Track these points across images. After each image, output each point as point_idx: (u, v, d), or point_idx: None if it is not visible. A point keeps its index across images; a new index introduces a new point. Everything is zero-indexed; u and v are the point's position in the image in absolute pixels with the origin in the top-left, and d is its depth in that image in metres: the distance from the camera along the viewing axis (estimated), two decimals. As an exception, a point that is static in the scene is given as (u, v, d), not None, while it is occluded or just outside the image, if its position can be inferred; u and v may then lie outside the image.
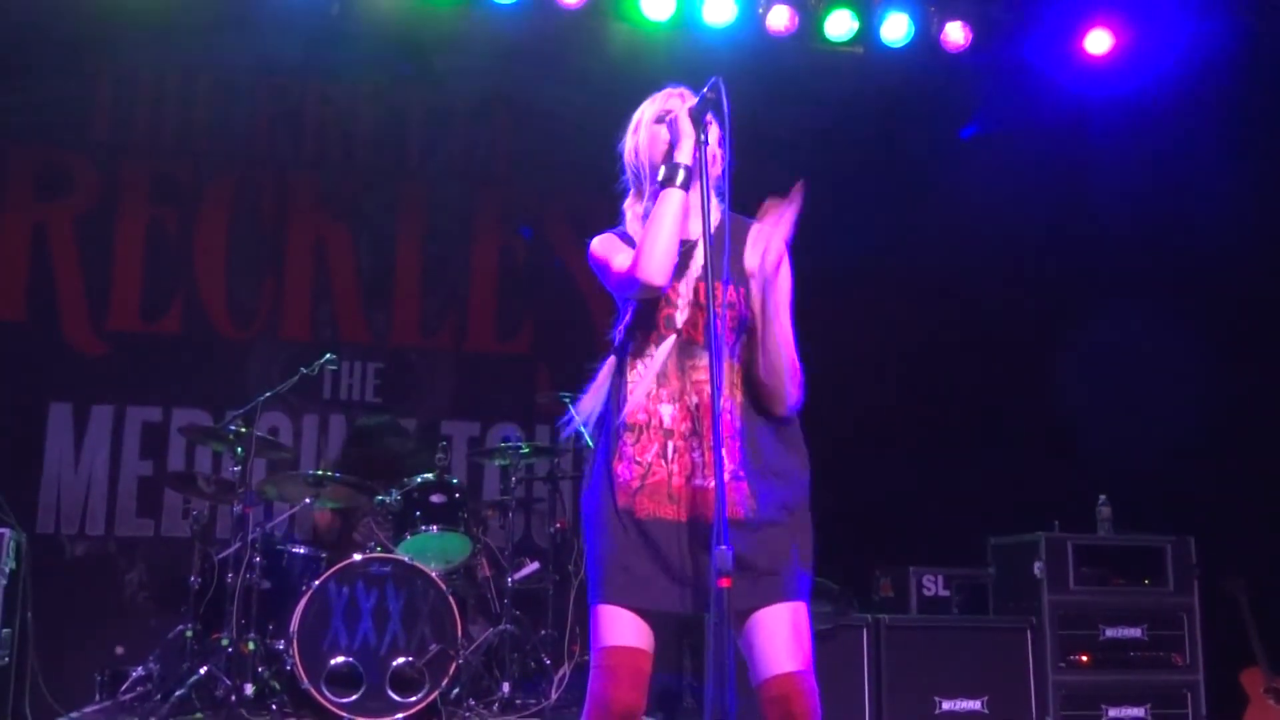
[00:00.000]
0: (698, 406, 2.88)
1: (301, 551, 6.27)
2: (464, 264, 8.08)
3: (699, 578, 2.81)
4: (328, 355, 6.39)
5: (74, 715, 5.84)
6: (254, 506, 6.26)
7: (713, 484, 2.77)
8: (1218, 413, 7.14)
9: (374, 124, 7.96)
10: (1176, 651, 6.70)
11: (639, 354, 2.95)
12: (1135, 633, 6.70)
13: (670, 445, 2.88)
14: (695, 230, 2.95)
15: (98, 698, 6.11)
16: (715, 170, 2.96)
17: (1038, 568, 6.70)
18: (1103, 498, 6.97)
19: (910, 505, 7.71)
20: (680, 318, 2.93)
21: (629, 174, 3.11)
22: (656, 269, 2.83)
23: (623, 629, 2.82)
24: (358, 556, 5.95)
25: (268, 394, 6.25)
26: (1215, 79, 7.33)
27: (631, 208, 3.10)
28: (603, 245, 3.03)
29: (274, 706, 5.75)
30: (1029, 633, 6.57)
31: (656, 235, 2.84)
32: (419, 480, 6.41)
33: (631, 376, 2.94)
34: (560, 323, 7.77)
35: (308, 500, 6.37)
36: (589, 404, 3.01)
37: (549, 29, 7.50)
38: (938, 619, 6.71)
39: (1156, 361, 7.38)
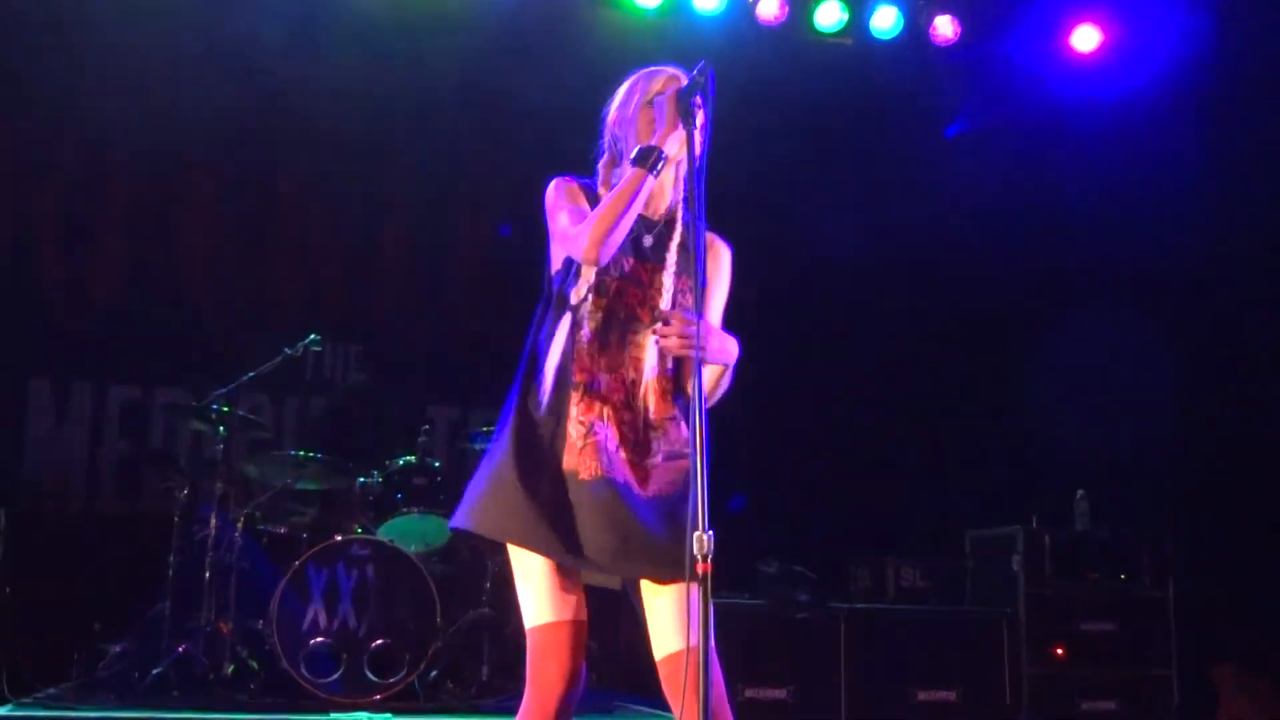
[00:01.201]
0: (633, 382, 2.88)
1: (282, 531, 6.26)
2: (449, 248, 8.06)
3: (631, 544, 2.76)
4: (311, 336, 6.37)
5: (51, 691, 5.83)
6: (235, 486, 6.27)
7: (645, 460, 2.83)
8: (1196, 410, 7.19)
9: (360, 106, 7.92)
10: (1151, 646, 6.75)
11: (588, 317, 2.92)
12: (1110, 626, 6.74)
13: (605, 411, 2.86)
14: (657, 210, 3.00)
15: (75, 674, 6.10)
16: (696, 153, 2.89)
17: (1015, 561, 6.74)
18: (1080, 492, 7.00)
19: (889, 496, 7.75)
20: (630, 292, 2.93)
21: (607, 140, 3.10)
22: (603, 250, 2.82)
23: (561, 598, 2.80)
24: (338, 538, 5.96)
25: (250, 374, 6.24)
26: (1199, 79, 7.36)
27: (605, 168, 3.10)
28: (558, 191, 3.01)
29: (252, 686, 5.75)
30: (1005, 625, 6.61)
31: (613, 215, 2.81)
32: (400, 463, 6.42)
33: (579, 337, 2.91)
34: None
35: (289, 481, 6.37)
36: (556, 354, 2.94)
37: (537, 14, 7.49)
38: (914, 610, 6.74)
39: (1136, 358, 7.42)
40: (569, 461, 2.83)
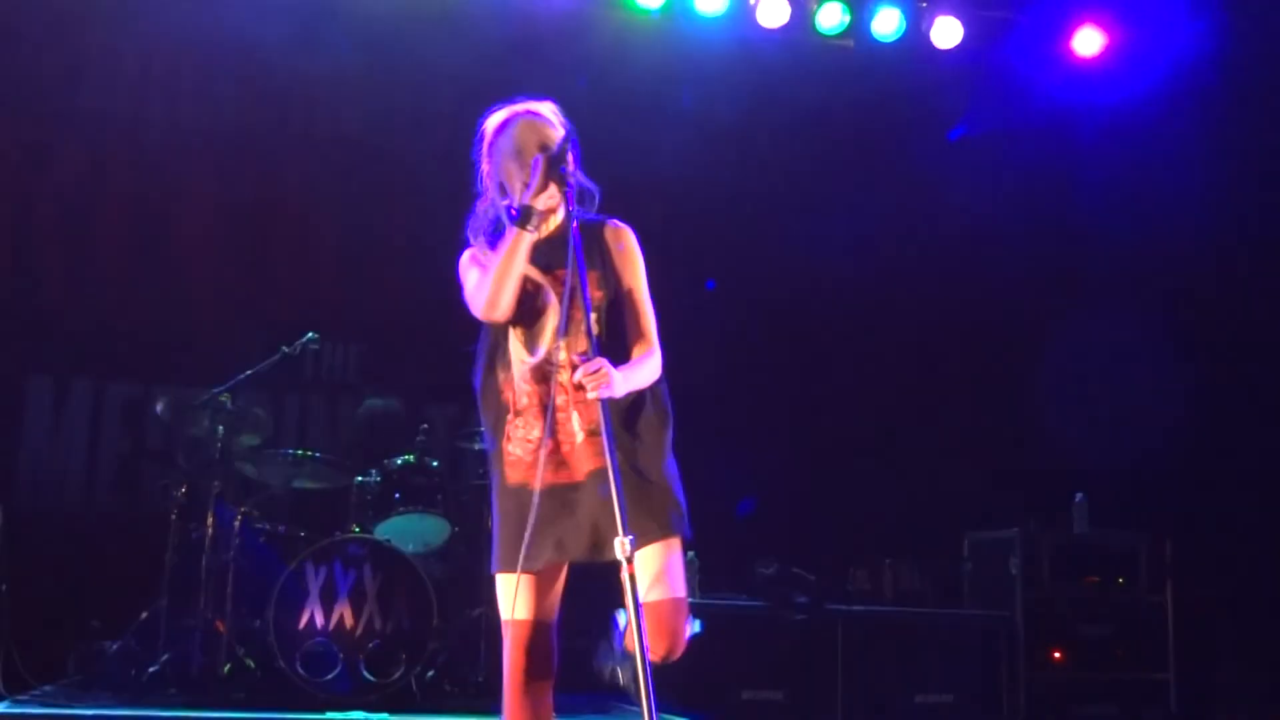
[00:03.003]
0: (566, 384, 3.21)
1: (280, 530, 6.26)
2: (448, 245, 8.02)
3: (585, 533, 3.17)
4: (309, 335, 6.37)
5: (48, 688, 5.82)
6: (232, 485, 6.26)
7: (583, 440, 3.20)
8: (1194, 415, 7.18)
9: (360, 104, 7.92)
10: (1148, 650, 6.75)
11: (511, 341, 3.31)
12: (1108, 630, 6.74)
13: (549, 420, 3.22)
14: (550, 228, 3.32)
15: (72, 672, 6.09)
16: (572, 182, 3.24)
17: (1013, 564, 6.74)
18: (1079, 495, 7.01)
19: (888, 499, 7.74)
20: (546, 310, 3.28)
21: (483, 182, 3.47)
22: (498, 308, 3.23)
23: (517, 599, 3.19)
24: (336, 536, 5.96)
25: (248, 372, 6.24)
26: (1202, 81, 7.36)
27: (484, 214, 3.47)
28: (463, 265, 3.45)
29: (248, 685, 5.75)
30: (1003, 628, 6.61)
31: (500, 277, 3.21)
32: (399, 462, 6.41)
33: (506, 360, 3.32)
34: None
35: (286, 479, 6.37)
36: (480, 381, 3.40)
37: (539, 14, 7.48)
38: (912, 612, 6.73)
39: (1135, 363, 7.42)
40: (515, 476, 3.26)
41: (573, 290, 3.11)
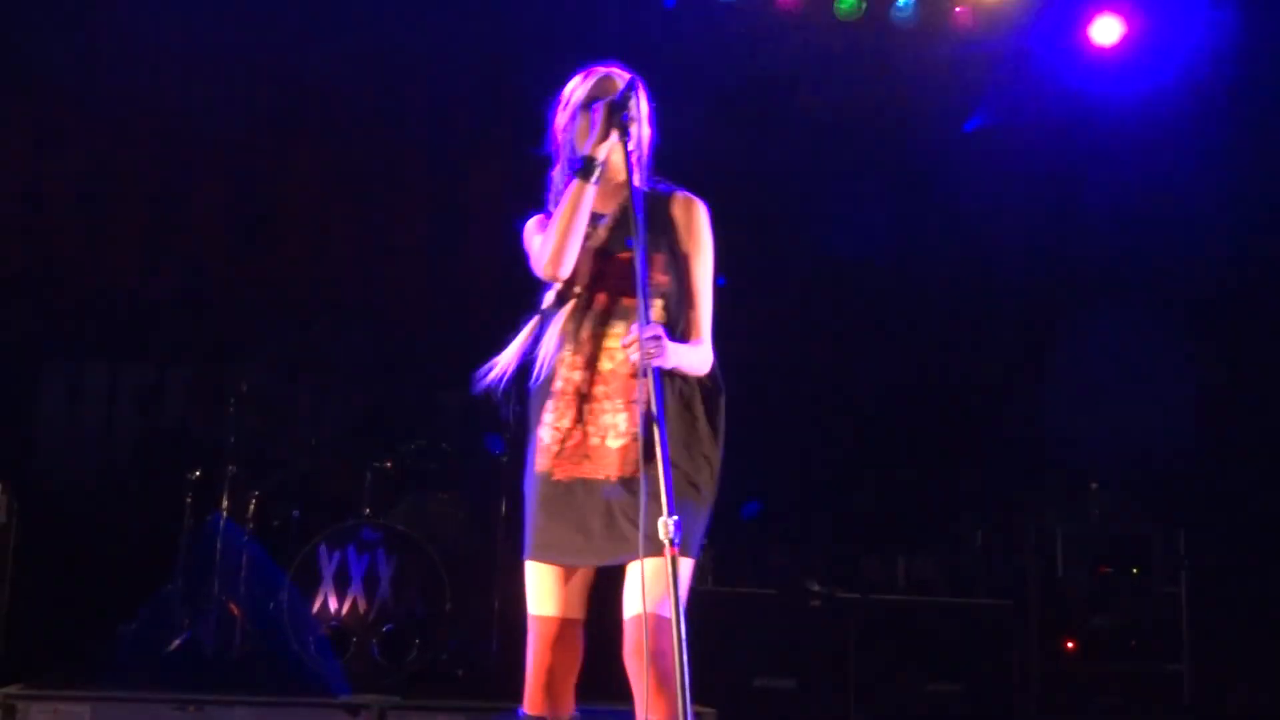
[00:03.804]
0: (611, 372, 3.07)
1: (294, 514, 6.27)
2: (462, 230, 8.04)
3: (612, 532, 3.00)
4: (325, 319, 6.38)
5: (61, 671, 5.84)
6: (246, 468, 6.28)
7: (621, 443, 3.02)
8: (1211, 404, 7.16)
9: (372, 91, 7.90)
10: (1162, 641, 6.72)
11: (560, 322, 3.14)
12: (1121, 621, 6.72)
13: (585, 409, 3.07)
14: (607, 206, 3.15)
15: (85, 654, 6.11)
16: (635, 144, 3.07)
17: (1026, 554, 6.73)
18: (1094, 485, 6.98)
19: (901, 488, 7.73)
20: (596, 287, 3.12)
21: (555, 143, 3.27)
22: (561, 264, 3.05)
23: (544, 595, 3.10)
24: (350, 521, 5.97)
25: (264, 356, 6.25)
26: (1223, 74, 7.31)
27: (559, 173, 3.23)
28: (527, 232, 3.26)
29: (261, 668, 5.77)
30: (1015, 618, 6.59)
31: (562, 229, 3.03)
32: (413, 447, 6.42)
33: (553, 343, 3.14)
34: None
35: (301, 463, 6.39)
36: (507, 359, 3.25)
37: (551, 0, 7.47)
38: (925, 601, 6.72)
39: (1151, 352, 7.39)
40: (542, 464, 3.11)
41: (631, 272, 2.88)
